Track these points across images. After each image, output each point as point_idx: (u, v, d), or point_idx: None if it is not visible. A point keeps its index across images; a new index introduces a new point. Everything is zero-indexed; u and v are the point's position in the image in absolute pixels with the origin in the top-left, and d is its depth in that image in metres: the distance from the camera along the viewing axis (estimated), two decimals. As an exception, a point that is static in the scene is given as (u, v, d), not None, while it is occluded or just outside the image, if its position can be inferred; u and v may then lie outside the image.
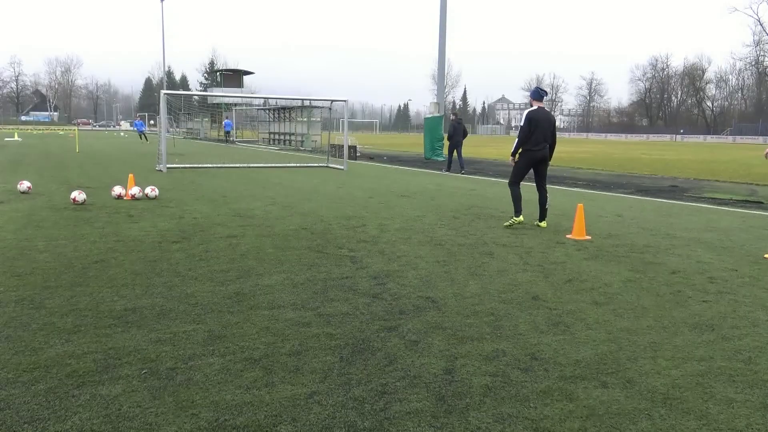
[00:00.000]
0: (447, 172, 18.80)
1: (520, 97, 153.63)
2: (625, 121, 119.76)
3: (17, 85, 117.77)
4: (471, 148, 41.58)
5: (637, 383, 3.31)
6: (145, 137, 43.59)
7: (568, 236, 7.67)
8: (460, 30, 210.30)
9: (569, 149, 42.52)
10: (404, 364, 3.49)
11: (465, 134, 19.77)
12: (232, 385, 3.18)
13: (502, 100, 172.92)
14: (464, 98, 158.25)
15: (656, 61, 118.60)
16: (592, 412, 2.96)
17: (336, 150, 25.70)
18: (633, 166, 23.34)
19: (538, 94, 8.39)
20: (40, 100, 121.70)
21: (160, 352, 3.61)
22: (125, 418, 2.80)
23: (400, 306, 4.62)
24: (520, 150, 8.28)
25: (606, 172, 20.42)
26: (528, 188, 8.95)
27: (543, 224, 8.37)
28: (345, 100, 21.14)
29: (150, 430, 2.70)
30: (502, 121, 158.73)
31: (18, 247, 6.39)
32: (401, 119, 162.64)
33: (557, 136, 8.49)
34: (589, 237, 7.60)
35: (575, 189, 14.31)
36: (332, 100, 23.50)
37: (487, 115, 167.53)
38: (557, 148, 8.61)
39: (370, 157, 27.03)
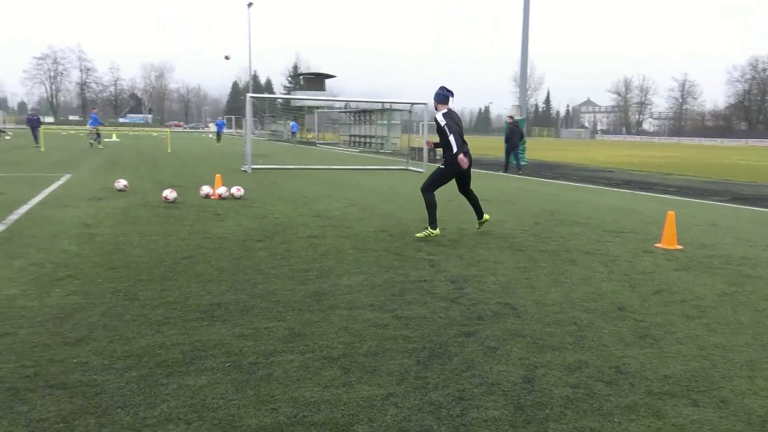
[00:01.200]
0: (505, 173, 19.97)
1: (607, 99, 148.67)
2: (721, 125, 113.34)
3: (116, 89, 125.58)
4: (555, 152, 40.62)
5: (732, 403, 3.11)
6: (219, 138, 42.55)
7: (656, 245, 7.33)
8: (545, 32, 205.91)
9: (655, 153, 40.67)
10: (482, 371, 3.44)
11: (522, 137, 21.26)
12: (310, 382, 3.23)
13: (587, 102, 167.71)
14: (547, 101, 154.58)
15: (756, 61, 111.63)
16: (682, 431, 2.81)
17: (416, 152, 25.73)
18: (729, 173, 22.02)
19: (445, 96, 7.43)
20: (135, 103, 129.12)
21: (242, 346, 3.72)
22: (210, 408, 2.91)
23: (478, 311, 4.56)
24: (448, 157, 7.27)
25: (699, 179, 19.38)
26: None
27: (487, 216, 7.92)
28: (425, 103, 21.12)
29: (232, 421, 2.79)
30: (587, 125, 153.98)
31: (114, 242, 6.79)
32: (482, 122, 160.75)
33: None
34: (680, 246, 7.23)
35: (665, 196, 13.65)
36: (412, 103, 23.57)
37: (572, 118, 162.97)
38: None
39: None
